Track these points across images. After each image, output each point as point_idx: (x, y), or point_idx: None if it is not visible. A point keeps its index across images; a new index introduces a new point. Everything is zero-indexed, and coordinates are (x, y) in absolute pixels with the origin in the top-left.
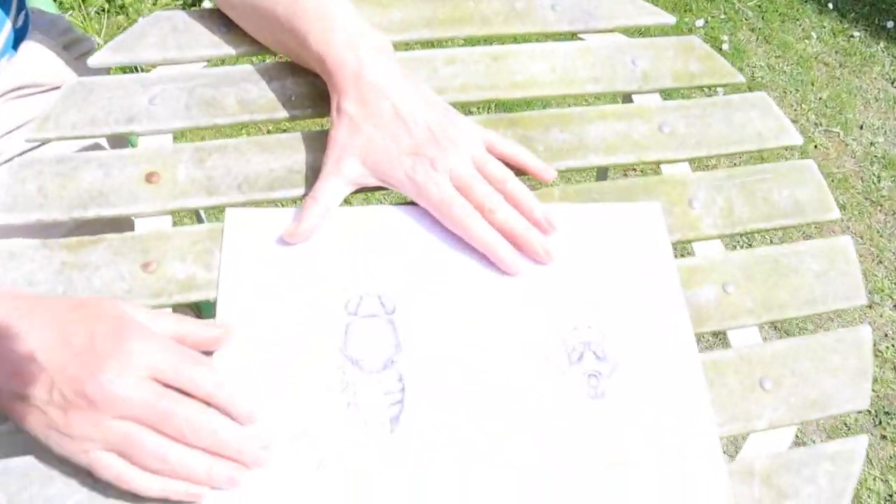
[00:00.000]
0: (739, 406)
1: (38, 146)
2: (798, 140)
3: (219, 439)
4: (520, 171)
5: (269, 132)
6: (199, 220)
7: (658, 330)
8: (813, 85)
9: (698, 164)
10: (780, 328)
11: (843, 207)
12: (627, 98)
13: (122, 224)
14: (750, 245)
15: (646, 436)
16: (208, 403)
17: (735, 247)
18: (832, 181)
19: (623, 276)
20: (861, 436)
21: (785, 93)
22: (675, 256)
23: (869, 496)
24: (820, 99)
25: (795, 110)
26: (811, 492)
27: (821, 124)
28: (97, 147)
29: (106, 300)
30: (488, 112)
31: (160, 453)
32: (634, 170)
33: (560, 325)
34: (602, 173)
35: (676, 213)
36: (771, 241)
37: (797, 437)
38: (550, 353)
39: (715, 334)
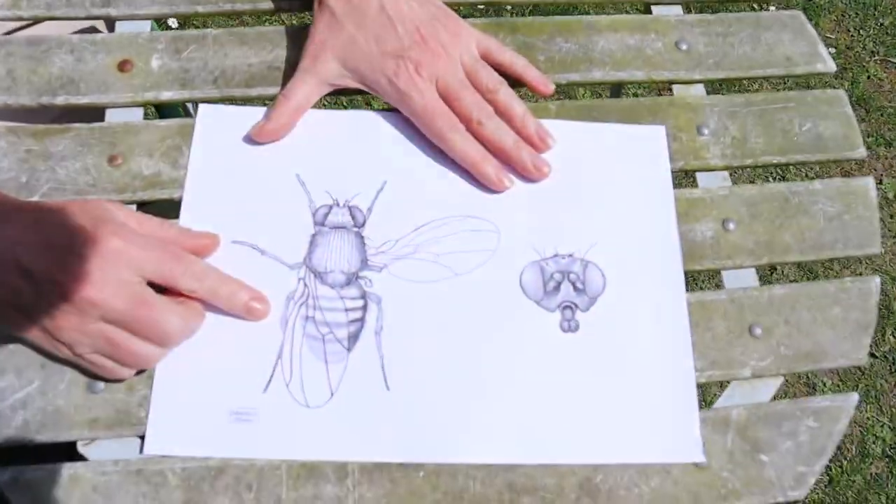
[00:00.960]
0: (724, 352)
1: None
2: (831, 67)
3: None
4: (515, 83)
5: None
6: (187, 114)
7: (645, 264)
8: (876, 8)
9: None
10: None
11: (889, 144)
12: (646, 9)
13: (91, 114)
14: (784, 179)
15: (617, 376)
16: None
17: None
18: (882, 115)
19: (614, 203)
20: (851, 393)
21: (843, 16)
22: (676, 186)
23: (875, 443)
24: (881, 25)
25: (852, 36)
26: (788, 447)
27: (878, 53)
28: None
29: (89, 201)
30: (489, 15)
31: (141, 356)
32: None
33: (540, 250)
34: (616, 91)
35: (682, 140)
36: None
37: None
38: (526, 280)
39: (708, 274)
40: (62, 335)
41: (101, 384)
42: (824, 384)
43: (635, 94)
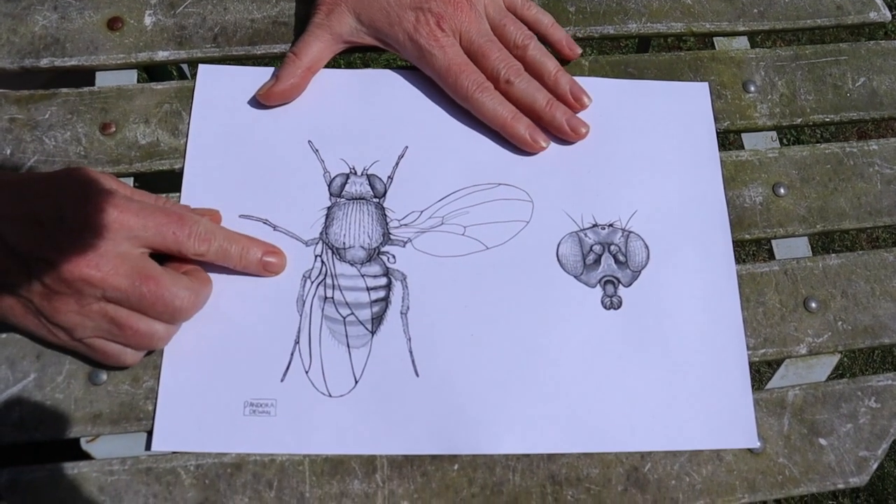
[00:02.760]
0: (777, 328)
1: None
2: (886, 16)
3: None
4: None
5: None
6: (183, 76)
7: (691, 234)
8: None
9: (760, 39)
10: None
11: None
12: None
13: (80, 77)
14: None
15: (664, 356)
16: (201, 262)
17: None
18: None
19: (656, 167)
20: None
21: None
22: (721, 148)
23: None
24: None
25: None
26: (848, 430)
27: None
28: None
29: (75, 168)
30: None
31: (149, 336)
32: (683, 42)
33: (577, 219)
34: (643, 43)
35: (727, 97)
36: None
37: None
38: (564, 252)
39: (758, 243)
40: (59, 319)
41: (104, 375)
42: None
43: (670, 48)
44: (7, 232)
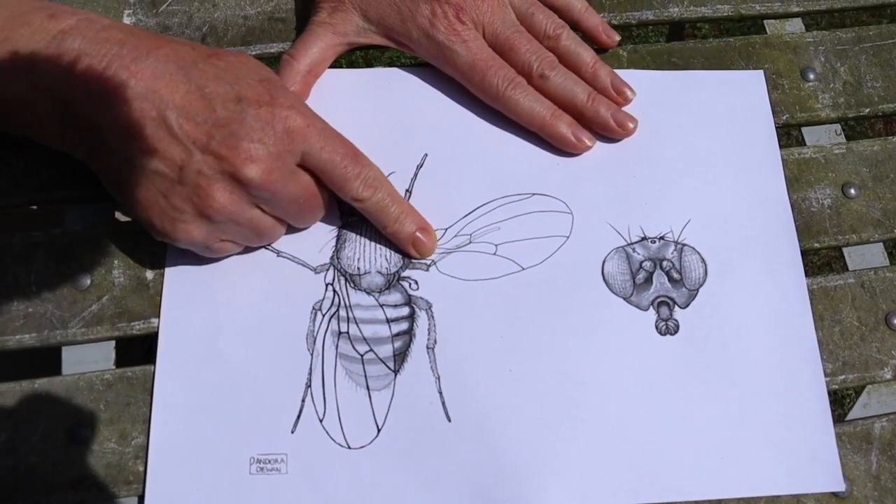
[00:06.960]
0: (857, 350)
1: None
2: None
3: None
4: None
5: None
6: None
7: (753, 244)
8: None
9: (816, 21)
10: None
11: None
12: None
13: None
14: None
15: (729, 388)
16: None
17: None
18: None
19: (710, 169)
20: None
21: None
22: (781, 145)
23: None
24: None
25: None
26: None
27: None
28: None
29: (243, 55)
30: None
31: (271, 237)
32: (720, 26)
33: (624, 232)
34: (676, 31)
35: (784, 87)
36: None
37: None
38: (610, 271)
39: (829, 252)
40: (214, 212)
41: (86, 432)
42: None
43: (696, 36)
44: (171, 107)
